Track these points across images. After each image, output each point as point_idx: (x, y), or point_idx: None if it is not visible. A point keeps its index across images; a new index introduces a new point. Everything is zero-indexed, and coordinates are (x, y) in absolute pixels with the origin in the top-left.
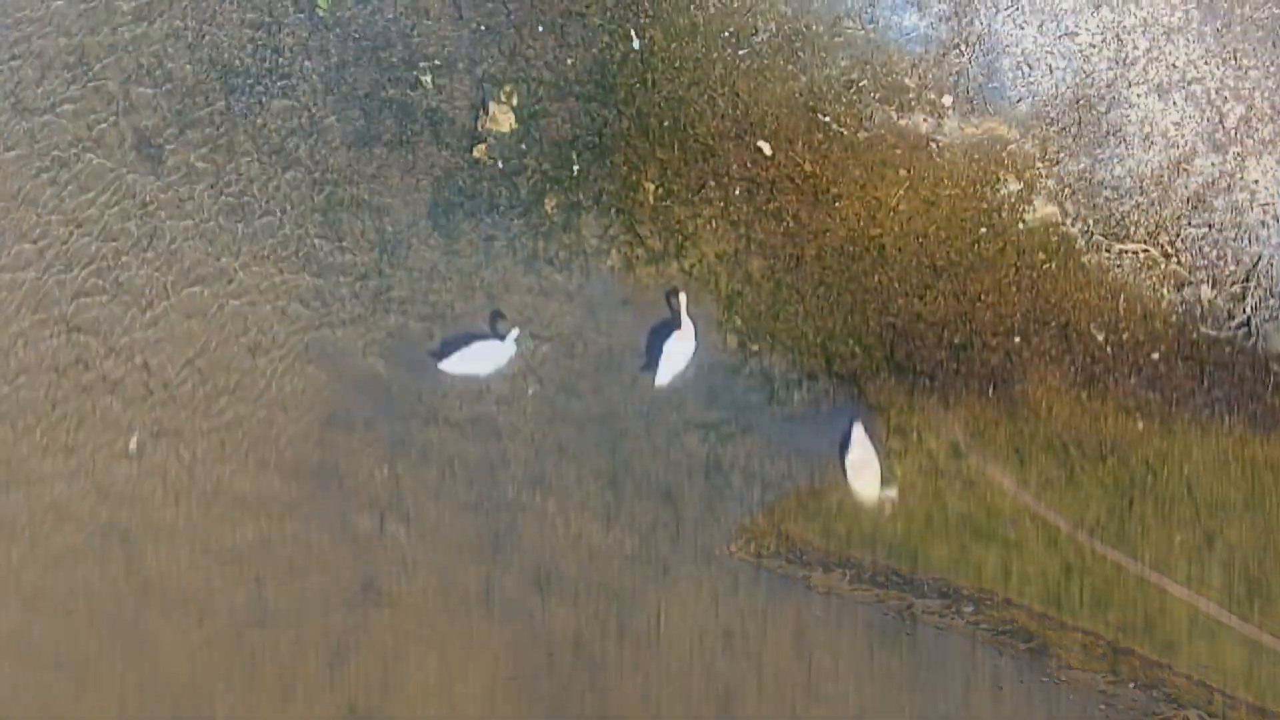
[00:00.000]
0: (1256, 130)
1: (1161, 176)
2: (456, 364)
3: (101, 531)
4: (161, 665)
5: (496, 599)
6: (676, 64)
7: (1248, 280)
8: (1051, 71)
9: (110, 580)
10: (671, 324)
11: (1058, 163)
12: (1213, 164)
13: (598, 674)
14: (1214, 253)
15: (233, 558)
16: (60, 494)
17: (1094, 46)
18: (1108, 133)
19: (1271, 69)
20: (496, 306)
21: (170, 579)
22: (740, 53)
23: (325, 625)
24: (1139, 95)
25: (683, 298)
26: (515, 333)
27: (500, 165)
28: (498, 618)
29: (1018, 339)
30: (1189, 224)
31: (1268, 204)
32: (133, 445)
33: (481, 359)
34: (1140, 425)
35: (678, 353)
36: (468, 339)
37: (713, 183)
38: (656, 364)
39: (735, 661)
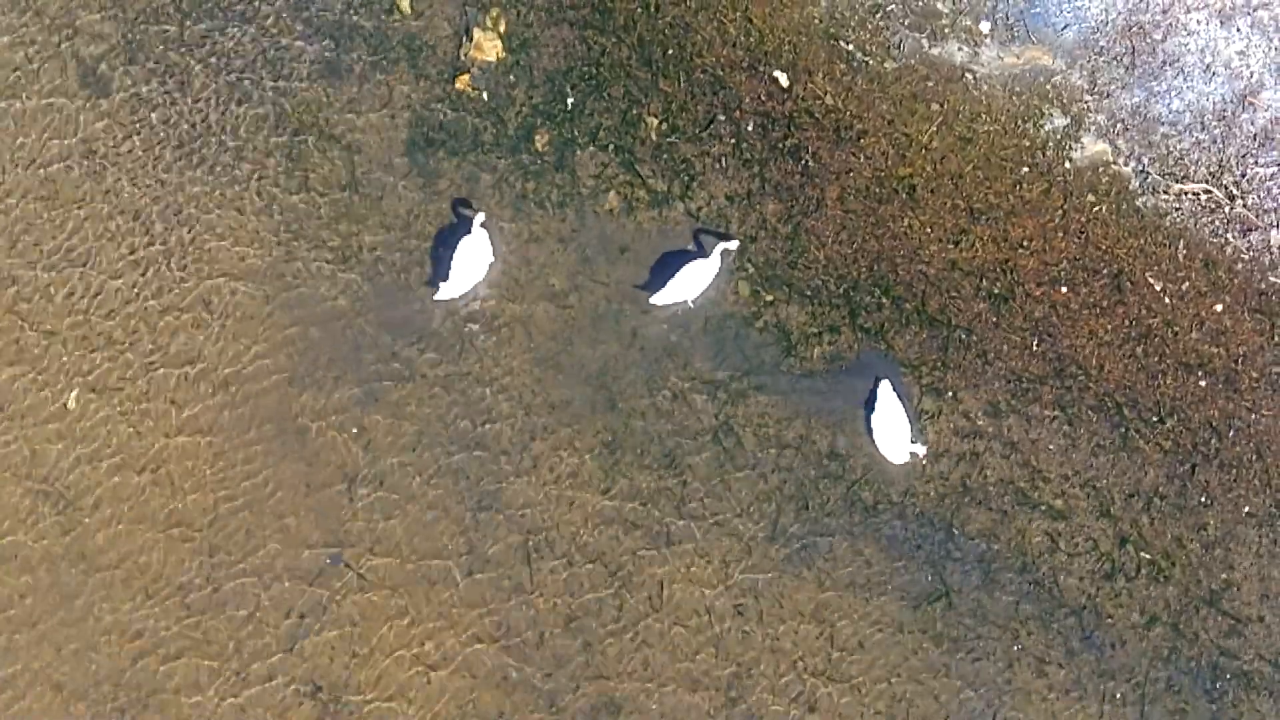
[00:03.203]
0: None
1: (1225, 111)
2: (461, 277)
3: (35, 494)
4: (103, 642)
5: (479, 572)
6: None
7: None
8: None
9: (45, 548)
10: (683, 256)
11: (1108, 96)
12: None
13: (593, 654)
14: None
15: (183, 525)
16: None
17: None
18: (1164, 63)
19: None
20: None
21: (113, 547)
22: None
23: (286, 599)
24: (1199, 21)
25: (731, 243)
26: (480, 217)
27: (486, 98)
28: (481, 592)
29: (1064, 289)
30: (1256, 163)
31: None
32: (72, 401)
33: (469, 264)
34: (1203, 383)
35: (692, 278)
36: (448, 256)
37: (722, 117)
38: (660, 286)
39: (748, 639)
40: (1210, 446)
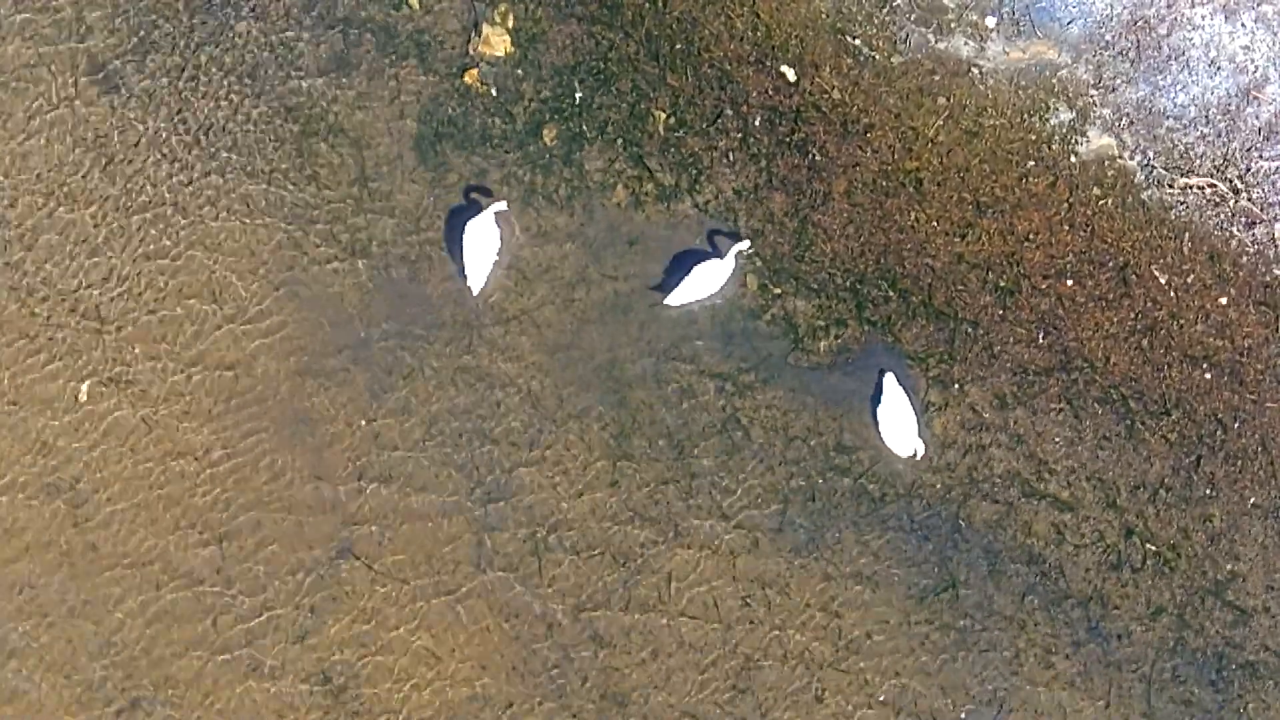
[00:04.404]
0: None
1: (1229, 105)
2: (478, 266)
3: (45, 488)
4: (114, 636)
5: (488, 564)
6: None
7: None
8: None
9: (54, 542)
10: (696, 256)
11: (1114, 90)
12: None
13: (601, 646)
14: None
15: (193, 518)
16: None
17: None
18: (1169, 57)
19: None
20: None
21: (123, 541)
22: None
23: (296, 592)
24: (1204, 16)
25: (744, 244)
26: (501, 205)
27: (494, 93)
28: (490, 585)
29: (1070, 282)
30: (1260, 156)
31: None
32: (83, 394)
33: (482, 244)
34: (1208, 376)
35: (705, 279)
36: (459, 239)
37: (730, 112)
38: (674, 286)
39: (755, 631)
40: (1215, 439)
